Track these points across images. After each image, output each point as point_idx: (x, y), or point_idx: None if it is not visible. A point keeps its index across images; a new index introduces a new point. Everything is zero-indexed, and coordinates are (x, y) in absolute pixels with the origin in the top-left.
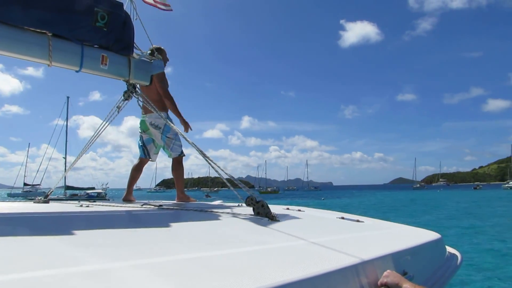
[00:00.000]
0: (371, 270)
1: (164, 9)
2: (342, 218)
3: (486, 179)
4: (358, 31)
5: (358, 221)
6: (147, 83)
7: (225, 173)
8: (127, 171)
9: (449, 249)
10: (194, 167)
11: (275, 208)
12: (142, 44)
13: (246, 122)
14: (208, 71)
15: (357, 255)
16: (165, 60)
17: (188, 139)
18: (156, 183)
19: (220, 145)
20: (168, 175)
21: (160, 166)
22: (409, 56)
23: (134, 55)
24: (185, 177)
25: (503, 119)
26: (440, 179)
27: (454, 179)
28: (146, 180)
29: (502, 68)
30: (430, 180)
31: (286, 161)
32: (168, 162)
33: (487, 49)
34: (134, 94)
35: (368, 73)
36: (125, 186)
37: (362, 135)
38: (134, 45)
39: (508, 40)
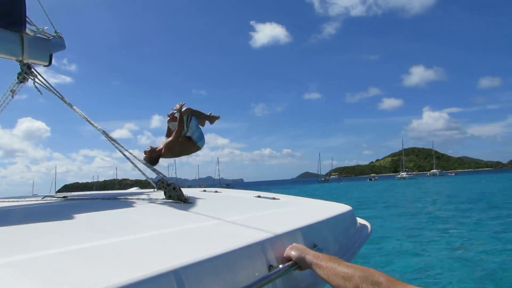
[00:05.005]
0: (280, 245)
1: None
2: (259, 196)
3: (382, 171)
4: (268, 33)
5: (274, 198)
6: (46, 63)
7: (138, 159)
8: (22, 178)
9: (360, 220)
10: (100, 169)
11: (192, 191)
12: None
13: (156, 121)
14: (114, 69)
15: (267, 231)
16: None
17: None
18: (57, 189)
19: (129, 145)
20: (70, 179)
21: (61, 170)
22: (315, 58)
23: (28, 31)
24: (90, 180)
25: (396, 116)
26: (332, 173)
27: (355, 172)
28: (45, 187)
29: (396, 70)
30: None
31: (198, 159)
32: (70, 166)
33: (383, 53)
34: (29, 75)
35: (278, 73)
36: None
37: (271, 132)
38: (27, 19)
39: (401, 45)
